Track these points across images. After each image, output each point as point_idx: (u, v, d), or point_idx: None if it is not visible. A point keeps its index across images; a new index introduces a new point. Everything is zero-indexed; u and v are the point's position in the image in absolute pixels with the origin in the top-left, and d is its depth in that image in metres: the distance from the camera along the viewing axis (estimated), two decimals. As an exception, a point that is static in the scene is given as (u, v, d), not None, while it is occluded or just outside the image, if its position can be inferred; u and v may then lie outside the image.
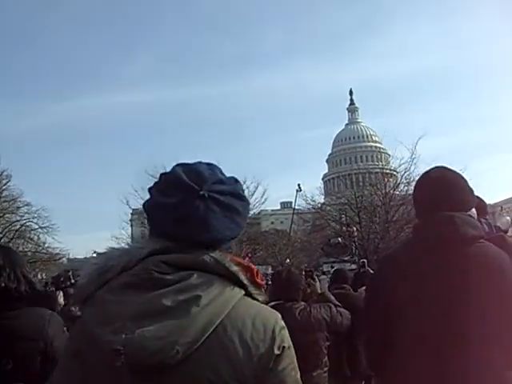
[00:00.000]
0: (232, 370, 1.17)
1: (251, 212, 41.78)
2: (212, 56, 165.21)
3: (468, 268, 1.89)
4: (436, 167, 2.20)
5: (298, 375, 1.29)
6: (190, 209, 1.25)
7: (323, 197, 51.37)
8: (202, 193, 1.25)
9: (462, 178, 2.16)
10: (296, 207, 46.53)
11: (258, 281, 1.31)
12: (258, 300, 1.29)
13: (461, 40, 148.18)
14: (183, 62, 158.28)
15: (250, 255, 45.81)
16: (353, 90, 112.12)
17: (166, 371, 1.13)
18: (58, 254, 39.19)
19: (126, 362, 1.11)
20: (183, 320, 1.15)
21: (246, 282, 1.27)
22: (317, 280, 4.65)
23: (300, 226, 50.74)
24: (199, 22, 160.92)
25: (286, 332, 1.28)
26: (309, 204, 45.22)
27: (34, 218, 37.29)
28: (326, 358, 3.82)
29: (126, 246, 1.32)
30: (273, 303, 4.07)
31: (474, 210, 2.11)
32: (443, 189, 2.06)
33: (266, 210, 63.70)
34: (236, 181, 1.36)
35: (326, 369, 3.81)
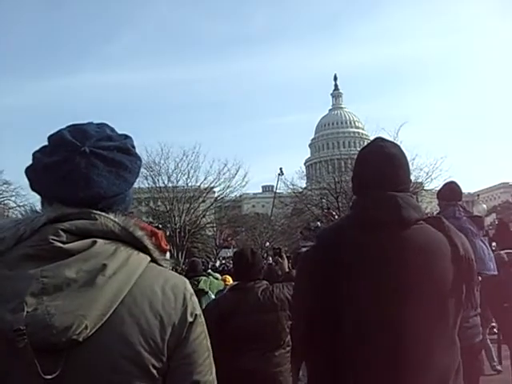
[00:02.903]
0: (144, 340, 1.12)
1: (232, 195, 41.90)
2: (196, 37, 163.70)
3: (410, 252, 1.81)
4: (381, 140, 2.06)
5: (209, 342, 1.25)
6: (71, 166, 1.18)
7: (304, 181, 51.57)
8: (83, 149, 1.19)
9: (405, 155, 2.05)
10: (277, 191, 46.65)
11: (163, 246, 1.26)
12: (163, 266, 1.24)
13: (448, 27, 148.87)
14: (167, 43, 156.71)
15: (230, 237, 46.00)
16: (337, 75, 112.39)
17: (75, 348, 1.05)
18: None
19: (29, 342, 1.01)
20: (89, 292, 1.07)
21: (151, 247, 1.22)
22: (284, 258, 4.66)
23: (281, 209, 50.86)
24: (183, 2, 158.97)
25: (195, 298, 1.24)
26: (289, 188, 45.37)
27: (12, 196, 36.91)
28: (289, 337, 3.79)
29: (20, 216, 1.21)
30: (235, 283, 4.08)
31: None
32: (388, 166, 1.94)
33: (248, 194, 63.78)
34: (126, 137, 1.30)
35: (288, 348, 3.78)
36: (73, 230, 1.13)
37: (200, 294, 5.44)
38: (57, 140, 1.23)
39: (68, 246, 1.11)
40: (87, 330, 1.05)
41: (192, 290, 1.24)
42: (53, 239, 1.11)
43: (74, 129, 1.25)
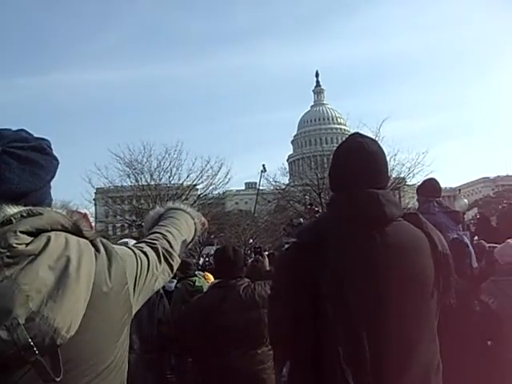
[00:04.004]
0: (116, 315, 1.25)
1: (215, 192, 41.77)
2: (178, 35, 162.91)
3: (392, 248, 1.84)
4: (359, 136, 2.04)
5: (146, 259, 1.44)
6: None
7: (287, 178, 51.62)
8: None
9: (384, 152, 2.04)
10: (260, 188, 46.64)
11: (90, 224, 1.32)
12: (98, 244, 1.29)
13: (427, 24, 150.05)
14: (149, 41, 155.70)
15: (214, 235, 45.88)
16: (319, 72, 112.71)
17: (73, 338, 1.08)
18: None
19: (38, 353, 1.01)
20: (68, 284, 1.09)
21: (86, 229, 1.26)
22: (265, 257, 4.66)
23: (264, 206, 50.83)
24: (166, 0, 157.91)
25: (128, 257, 1.37)
26: (272, 185, 45.39)
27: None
28: (272, 335, 3.78)
29: None
30: (216, 281, 4.06)
31: None
32: (369, 163, 1.93)
33: (231, 190, 63.49)
34: (43, 139, 1.35)
35: (270, 346, 3.79)
36: (29, 229, 1.14)
37: (197, 293, 5.40)
38: None
39: (30, 247, 1.12)
40: (79, 321, 1.09)
41: (123, 254, 1.35)
42: (16, 244, 1.10)
43: None
